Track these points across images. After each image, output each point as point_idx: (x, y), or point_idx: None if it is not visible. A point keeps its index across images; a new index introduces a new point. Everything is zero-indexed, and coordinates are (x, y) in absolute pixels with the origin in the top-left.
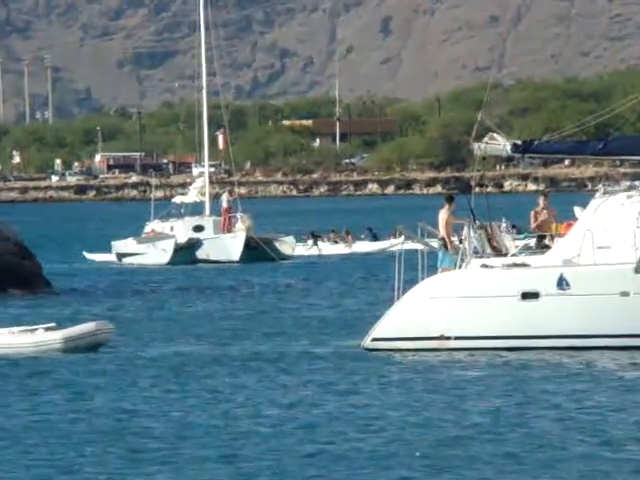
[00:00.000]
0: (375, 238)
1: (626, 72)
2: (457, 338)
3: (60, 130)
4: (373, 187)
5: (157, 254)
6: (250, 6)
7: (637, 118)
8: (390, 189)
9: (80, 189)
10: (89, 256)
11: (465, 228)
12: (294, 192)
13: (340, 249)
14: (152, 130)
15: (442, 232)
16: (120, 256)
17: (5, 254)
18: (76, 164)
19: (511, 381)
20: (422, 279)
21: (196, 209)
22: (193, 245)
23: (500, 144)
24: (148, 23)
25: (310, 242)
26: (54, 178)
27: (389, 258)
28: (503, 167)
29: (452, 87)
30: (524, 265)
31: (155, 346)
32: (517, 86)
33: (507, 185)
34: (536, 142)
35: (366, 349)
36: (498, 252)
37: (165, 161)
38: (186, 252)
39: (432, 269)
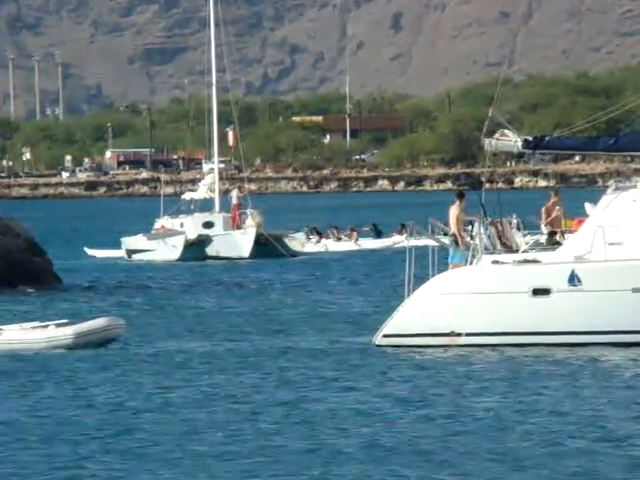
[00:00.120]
0: (379, 234)
1: (637, 68)
2: (468, 334)
3: (70, 126)
4: (383, 183)
5: (167, 250)
6: (260, 2)
7: None
8: (400, 185)
9: (90, 185)
10: (90, 252)
11: (476, 224)
12: (304, 188)
13: (349, 245)
14: (162, 126)
15: (453, 228)
16: (130, 252)
17: (16, 251)
18: (86, 160)
19: (521, 377)
20: (432, 275)
21: (206, 205)
22: (203, 241)
23: (511, 140)
24: (158, 19)
25: (314, 237)
26: (64, 174)
27: (397, 254)
28: (513, 163)
29: (462, 83)
30: (535, 261)
31: (171, 342)
32: (528, 82)
33: (517, 181)
34: (547, 138)
35: (377, 345)
36: (508, 248)
37: (175, 157)
38: (196, 248)
39: (434, 266)
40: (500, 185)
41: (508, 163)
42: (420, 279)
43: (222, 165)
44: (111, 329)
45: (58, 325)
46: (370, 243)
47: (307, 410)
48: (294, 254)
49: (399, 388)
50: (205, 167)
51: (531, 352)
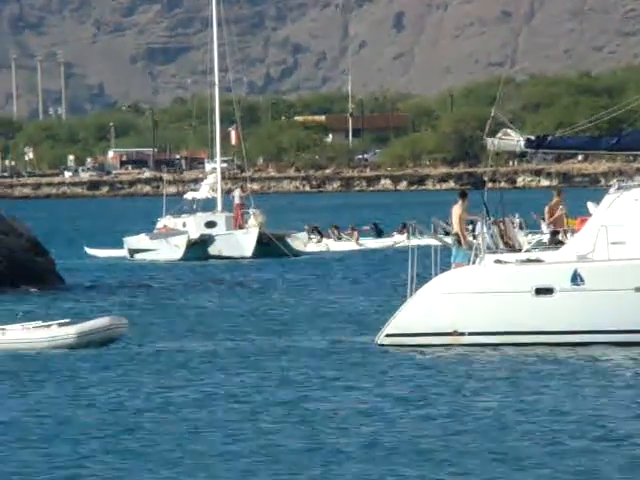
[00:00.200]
0: (380, 234)
1: (639, 67)
2: (471, 334)
3: (73, 126)
4: (386, 183)
5: (170, 250)
6: (262, 2)
7: None
8: (403, 185)
9: (93, 185)
10: (90, 251)
11: (479, 224)
12: (307, 188)
13: (351, 245)
14: (165, 126)
15: (456, 228)
16: (132, 252)
17: (18, 250)
18: (89, 160)
19: (523, 377)
20: (435, 275)
21: (208, 205)
22: (205, 241)
23: (514, 139)
24: (161, 19)
25: (315, 237)
26: (67, 174)
27: (399, 254)
28: (516, 163)
29: (465, 82)
30: (538, 261)
31: (178, 341)
32: (530, 81)
33: (520, 181)
34: (550, 137)
35: (380, 345)
36: (511, 248)
37: (178, 157)
38: (198, 248)
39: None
40: (502, 184)
41: (510, 162)
42: (422, 279)
43: (225, 165)
44: (113, 328)
45: (60, 324)
46: (371, 243)
47: (308, 409)
48: (296, 254)
49: (401, 387)
50: (208, 167)
51: (533, 351)
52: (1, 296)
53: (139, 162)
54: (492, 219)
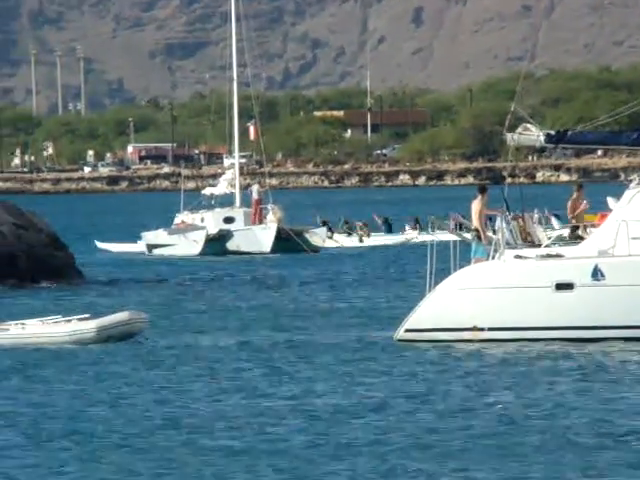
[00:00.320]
0: (390, 228)
1: None
2: (490, 329)
3: (92, 121)
4: (404, 178)
5: (188, 245)
6: None
7: None
8: (421, 180)
9: (112, 180)
10: (101, 245)
11: (498, 219)
12: (325, 183)
13: (366, 241)
14: (184, 121)
15: (475, 223)
16: (150, 247)
17: (38, 245)
18: (108, 155)
19: (542, 372)
20: (454, 270)
21: (226, 201)
22: (224, 236)
23: (534, 134)
24: (180, 14)
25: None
26: (86, 169)
27: (412, 249)
28: (535, 158)
29: (484, 77)
30: (558, 256)
31: (196, 336)
32: (549, 76)
33: (539, 176)
34: (570, 132)
35: (399, 340)
36: (530, 243)
37: (196, 152)
38: (217, 243)
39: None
40: (522, 180)
41: (530, 157)
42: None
43: (243, 160)
44: (133, 323)
45: (80, 319)
46: (384, 239)
47: (326, 404)
48: (315, 249)
49: (420, 383)
50: (226, 162)
51: (553, 347)
52: (21, 291)
53: (158, 157)
54: (512, 214)
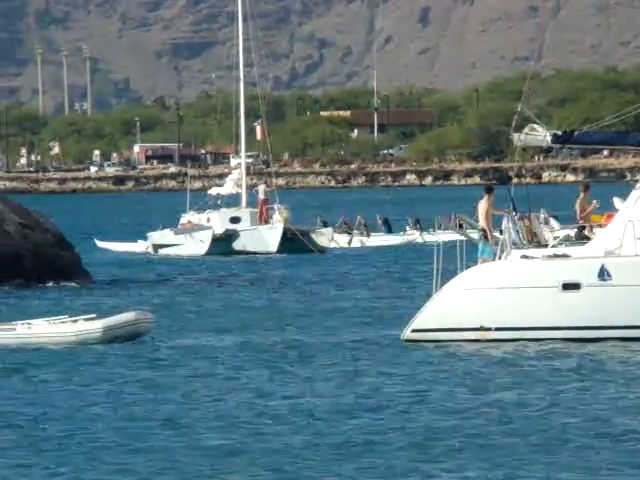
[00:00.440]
0: (389, 229)
1: None
2: (497, 329)
3: (99, 121)
4: (411, 178)
5: (194, 245)
6: None
7: None
8: (428, 180)
9: (119, 180)
10: (101, 244)
11: (505, 219)
12: (332, 183)
13: (367, 241)
14: (190, 121)
15: (482, 223)
16: (156, 247)
17: (44, 245)
18: (114, 155)
19: (548, 372)
20: (461, 270)
21: (232, 201)
22: (230, 236)
23: (540, 135)
24: (186, 14)
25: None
26: (93, 169)
27: (415, 249)
28: (542, 158)
29: (490, 78)
30: (565, 256)
31: (199, 336)
32: (556, 76)
33: (546, 176)
34: (576, 133)
35: (406, 340)
36: (537, 243)
37: (203, 152)
38: (223, 243)
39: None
40: (528, 180)
41: (536, 158)
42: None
43: (250, 160)
44: (140, 323)
45: (87, 319)
46: (385, 239)
47: (334, 404)
48: (321, 249)
49: (427, 383)
50: (233, 162)
51: (560, 347)
52: (27, 290)
53: (164, 157)
54: (518, 215)
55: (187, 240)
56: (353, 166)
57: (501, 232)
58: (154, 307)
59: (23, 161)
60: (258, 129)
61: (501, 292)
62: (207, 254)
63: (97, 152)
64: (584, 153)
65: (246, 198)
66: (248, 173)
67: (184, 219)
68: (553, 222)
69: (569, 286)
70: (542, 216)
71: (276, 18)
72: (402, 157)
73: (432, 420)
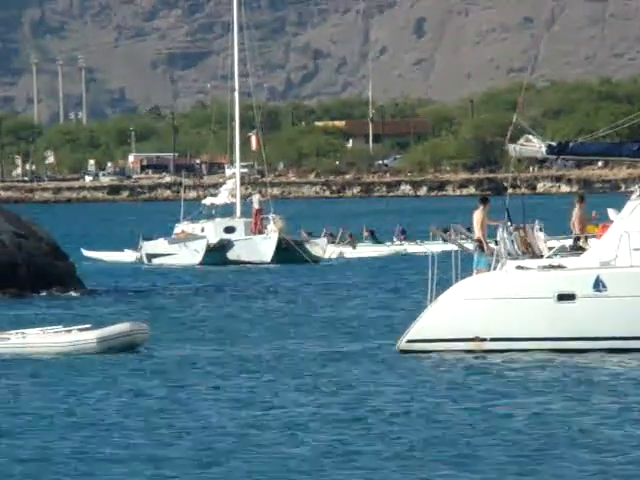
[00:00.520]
0: (377, 241)
1: None
2: (492, 340)
3: (94, 131)
4: (406, 188)
5: (188, 255)
6: (283, 7)
7: None
8: (423, 190)
9: (113, 189)
10: (87, 253)
11: (500, 230)
12: (327, 193)
13: (364, 251)
14: (185, 131)
15: (477, 234)
16: (150, 257)
17: (38, 254)
18: (109, 164)
19: (544, 383)
20: (456, 280)
21: (227, 211)
22: (224, 246)
23: (535, 145)
24: (182, 24)
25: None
26: (87, 178)
27: (404, 259)
28: (536, 169)
29: (485, 89)
30: (560, 267)
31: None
32: (551, 88)
33: (540, 187)
34: (571, 144)
35: (401, 350)
36: (532, 254)
37: (198, 162)
38: (217, 253)
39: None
40: (523, 190)
41: (531, 168)
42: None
43: (245, 170)
44: (134, 334)
45: (81, 330)
46: (373, 249)
47: (328, 415)
48: (316, 259)
49: (423, 393)
50: (228, 172)
51: (555, 358)
52: (21, 300)
53: (159, 167)
54: (514, 225)
55: (181, 250)
56: (348, 176)
57: (496, 243)
58: (146, 317)
59: (18, 170)
60: (253, 139)
61: (496, 303)
62: (201, 264)
63: (92, 162)
64: (579, 164)
65: (240, 208)
66: (243, 183)
67: (178, 229)
68: (539, 233)
69: (564, 297)
70: (537, 226)
71: (271, 28)
72: (397, 167)
73: (420, 430)
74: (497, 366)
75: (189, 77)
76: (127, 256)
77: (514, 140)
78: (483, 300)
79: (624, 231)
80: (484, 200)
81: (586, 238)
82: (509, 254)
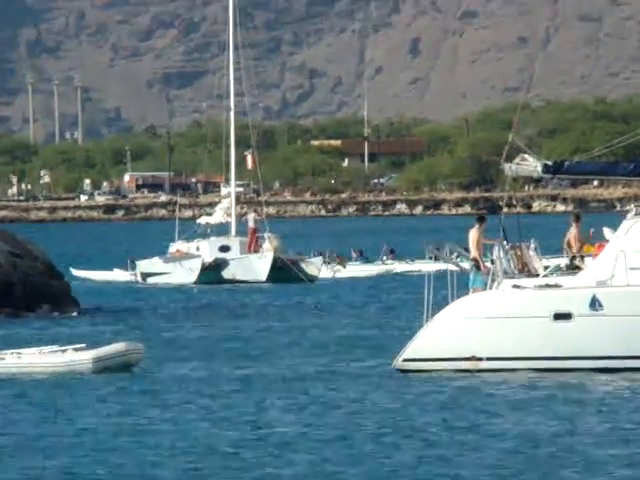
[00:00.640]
0: (367, 260)
1: None
2: (489, 359)
3: (89, 150)
4: (402, 207)
5: (184, 273)
6: (279, 27)
7: None
8: (418, 209)
9: (109, 209)
10: (76, 273)
11: (496, 249)
12: (322, 212)
13: (354, 271)
14: (181, 150)
15: (473, 253)
16: (145, 275)
17: (34, 274)
18: (105, 184)
19: (540, 402)
20: (452, 300)
21: (222, 229)
22: (219, 265)
23: (531, 165)
24: (177, 43)
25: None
26: (83, 198)
27: (395, 279)
28: (532, 188)
29: (481, 108)
30: (556, 286)
31: (185, 366)
32: (546, 107)
33: (536, 206)
34: (567, 163)
35: (397, 369)
36: (528, 273)
37: (193, 180)
38: (212, 272)
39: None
40: (518, 209)
41: (526, 187)
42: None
43: (241, 189)
44: (130, 354)
45: (76, 349)
46: (363, 269)
47: (324, 433)
48: (311, 279)
49: (418, 412)
50: (224, 190)
51: (552, 377)
52: (17, 319)
53: (155, 186)
54: (510, 244)
55: (176, 268)
56: (344, 195)
57: (492, 262)
58: (137, 336)
59: (13, 190)
60: (249, 158)
61: (492, 322)
62: (196, 283)
63: (88, 181)
64: (574, 183)
65: (236, 227)
66: (238, 202)
67: (173, 248)
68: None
69: (561, 316)
70: (533, 245)
71: (267, 48)
72: (393, 186)
73: (408, 450)
74: (491, 385)
75: (185, 96)
76: (116, 275)
77: (510, 159)
78: (479, 319)
79: (620, 250)
80: (480, 219)
81: (582, 257)
82: (505, 273)
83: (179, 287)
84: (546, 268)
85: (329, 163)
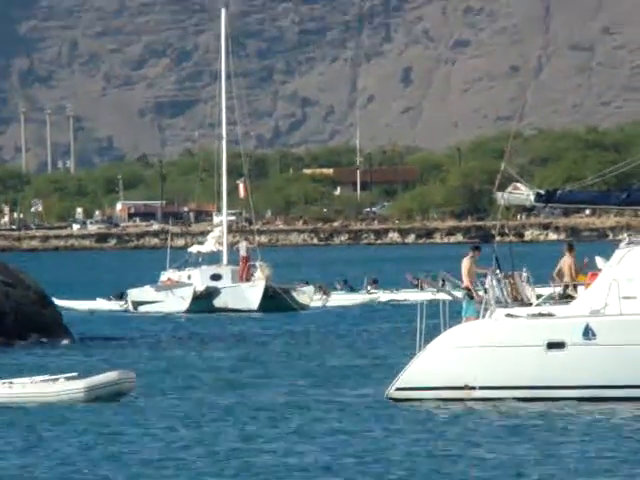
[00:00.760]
0: (352, 289)
1: None
2: (482, 388)
3: (82, 179)
4: (394, 236)
5: (175, 302)
6: (271, 55)
7: None
8: (411, 238)
9: (101, 237)
10: (59, 302)
11: (488, 277)
12: (315, 240)
13: (338, 299)
14: (173, 178)
15: (466, 281)
16: (136, 304)
17: (26, 303)
18: (97, 212)
19: (533, 431)
20: (444, 329)
21: (214, 258)
22: (211, 293)
23: (523, 194)
24: (169, 72)
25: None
26: (75, 226)
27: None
28: (524, 216)
29: (473, 137)
30: (550, 315)
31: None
32: (538, 136)
33: (528, 234)
34: (559, 192)
35: (390, 398)
36: (520, 302)
37: (186, 209)
38: (204, 301)
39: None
40: (510, 238)
41: (519, 216)
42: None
43: (233, 218)
44: (122, 383)
45: (68, 378)
46: (348, 298)
47: (314, 462)
48: (303, 307)
49: (410, 441)
50: (216, 219)
51: (545, 406)
52: (8, 348)
53: (147, 215)
54: (502, 273)
55: (168, 297)
56: (336, 224)
57: (485, 290)
58: (129, 366)
59: (5, 219)
60: (241, 187)
61: (485, 351)
62: (188, 311)
63: (80, 210)
64: (566, 212)
65: (227, 256)
66: (230, 231)
67: (164, 276)
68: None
69: (554, 345)
70: (525, 274)
71: (259, 77)
72: (385, 215)
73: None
74: (483, 414)
75: (177, 125)
76: (99, 304)
77: (502, 188)
78: (472, 348)
79: (613, 279)
80: (475, 248)
81: (575, 286)
82: (498, 302)
83: (168, 315)
84: (540, 297)
85: (321, 192)
